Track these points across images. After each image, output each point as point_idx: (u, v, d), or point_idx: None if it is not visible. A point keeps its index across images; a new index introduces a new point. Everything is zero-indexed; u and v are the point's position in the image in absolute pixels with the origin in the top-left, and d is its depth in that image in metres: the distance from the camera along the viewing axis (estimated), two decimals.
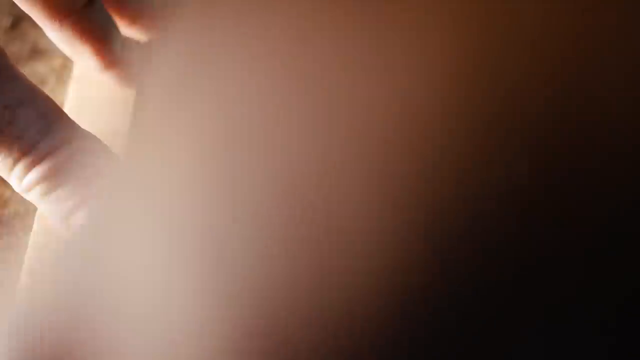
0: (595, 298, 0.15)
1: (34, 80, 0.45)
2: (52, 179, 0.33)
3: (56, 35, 0.37)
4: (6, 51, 0.46)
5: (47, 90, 0.44)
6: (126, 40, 0.39)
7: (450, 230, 0.15)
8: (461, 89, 0.15)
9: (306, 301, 0.15)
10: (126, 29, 0.41)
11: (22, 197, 0.39)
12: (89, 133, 0.34)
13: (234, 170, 0.15)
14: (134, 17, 0.41)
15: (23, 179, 0.33)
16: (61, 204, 0.33)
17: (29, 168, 0.33)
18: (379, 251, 0.15)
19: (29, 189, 0.33)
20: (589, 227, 0.15)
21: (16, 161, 0.32)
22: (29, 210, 0.39)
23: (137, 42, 0.40)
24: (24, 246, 0.37)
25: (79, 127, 0.34)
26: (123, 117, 0.39)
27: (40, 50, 0.46)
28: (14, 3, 0.49)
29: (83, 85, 0.41)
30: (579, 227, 0.15)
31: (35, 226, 0.35)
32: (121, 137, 0.38)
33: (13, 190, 0.40)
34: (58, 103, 0.43)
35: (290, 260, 0.15)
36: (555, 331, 0.15)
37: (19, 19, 0.48)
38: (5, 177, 0.33)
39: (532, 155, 0.15)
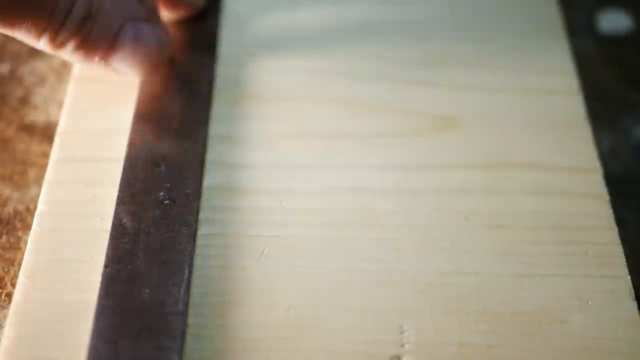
0: None
1: (34, 78, 0.45)
2: (86, 22, 0.35)
3: None
4: (6, 50, 0.46)
5: (47, 88, 0.44)
6: None
7: None
8: None
9: None
10: None
11: (22, 197, 0.39)
12: None
13: None
14: None
15: (58, 34, 0.35)
16: (96, 46, 0.36)
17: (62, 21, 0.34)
18: None
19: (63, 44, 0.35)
20: None
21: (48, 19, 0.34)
22: (29, 209, 0.39)
23: None
24: (23, 246, 0.37)
25: None
26: (122, 116, 0.39)
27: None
28: None
29: (83, 83, 0.41)
30: None
31: (35, 226, 0.35)
32: (120, 136, 0.38)
33: (13, 190, 0.40)
34: (57, 102, 0.43)
35: None
36: None
37: None
38: (35, 38, 0.35)
39: None
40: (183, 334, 0.31)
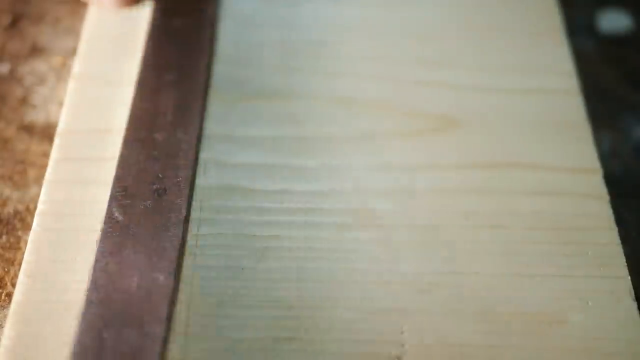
0: None
1: (34, 78, 0.45)
2: None
3: None
4: (6, 50, 0.46)
5: (47, 88, 0.44)
6: None
7: None
8: None
9: None
10: None
11: (22, 197, 0.39)
12: None
13: None
14: None
15: None
16: None
17: None
18: None
19: None
20: None
21: None
22: (29, 209, 0.39)
23: None
24: (23, 246, 0.37)
25: None
26: (122, 116, 0.39)
27: (39, 49, 0.46)
28: (13, 1, 0.49)
29: (83, 83, 0.41)
30: None
31: (35, 226, 0.35)
32: (120, 136, 0.38)
33: (13, 190, 0.40)
34: (57, 102, 0.43)
35: None
36: None
37: (19, 17, 0.48)
38: None
39: None
40: (169, 320, 0.31)
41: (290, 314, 0.33)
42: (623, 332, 0.33)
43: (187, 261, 0.34)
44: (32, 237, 0.35)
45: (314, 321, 0.33)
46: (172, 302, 0.32)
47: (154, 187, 0.35)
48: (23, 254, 0.35)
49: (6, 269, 0.37)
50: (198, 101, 0.39)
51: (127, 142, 0.37)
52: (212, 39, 0.42)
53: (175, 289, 0.32)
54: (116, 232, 0.34)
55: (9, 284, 0.36)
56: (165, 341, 0.31)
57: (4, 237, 0.38)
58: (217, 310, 0.33)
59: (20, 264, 0.35)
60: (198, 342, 0.32)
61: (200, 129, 0.38)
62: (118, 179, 0.36)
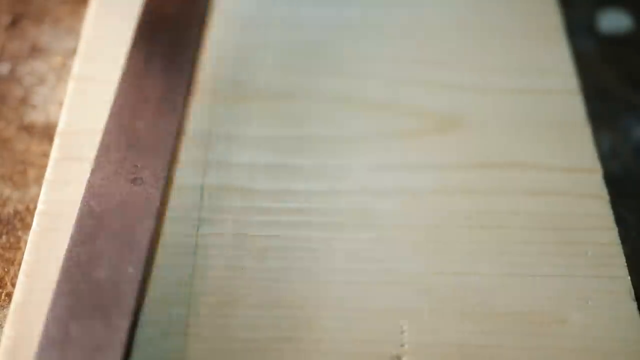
0: None
1: (34, 78, 0.45)
2: None
3: None
4: (6, 50, 0.46)
5: (47, 88, 0.44)
6: None
7: None
8: None
9: None
10: None
11: (22, 197, 0.39)
12: None
13: None
14: None
15: None
16: None
17: None
18: None
19: None
20: None
21: None
22: (29, 209, 0.39)
23: None
24: (23, 246, 0.37)
25: None
26: None
27: (40, 49, 0.46)
28: (13, 1, 0.49)
29: (83, 83, 0.41)
30: None
31: (35, 226, 0.35)
32: None
33: (13, 190, 0.40)
34: (57, 102, 0.43)
35: None
36: None
37: (19, 17, 0.48)
38: None
39: None
40: (136, 313, 0.31)
41: (290, 314, 0.33)
42: (623, 332, 0.33)
43: (187, 261, 0.34)
44: (32, 237, 0.35)
45: (314, 321, 0.33)
46: (141, 295, 0.32)
47: (131, 176, 0.35)
48: (23, 254, 0.35)
49: (6, 269, 0.37)
50: (183, 93, 0.39)
51: (109, 128, 0.37)
52: (201, 35, 0.42)
53: (145, 282, 0.32)
54: (89, 221, 0.33)
55: (9, 284, 0.36)
56: (131, 334, 0.30)
57: (4, 237, 0.38)
58: (217, 310, 0.33)
59: (20, 264, 0.35)
60: (198, 342, 0.32)
61: (182, 121, 0.38)
62: (96, 166, 0.35)
